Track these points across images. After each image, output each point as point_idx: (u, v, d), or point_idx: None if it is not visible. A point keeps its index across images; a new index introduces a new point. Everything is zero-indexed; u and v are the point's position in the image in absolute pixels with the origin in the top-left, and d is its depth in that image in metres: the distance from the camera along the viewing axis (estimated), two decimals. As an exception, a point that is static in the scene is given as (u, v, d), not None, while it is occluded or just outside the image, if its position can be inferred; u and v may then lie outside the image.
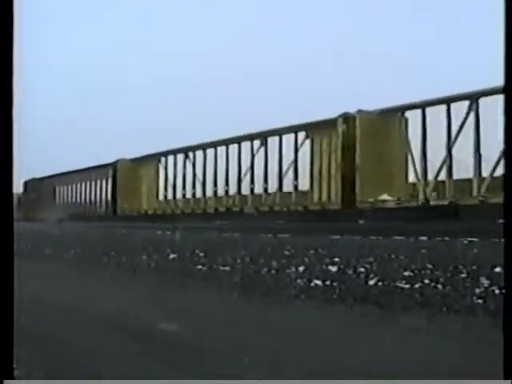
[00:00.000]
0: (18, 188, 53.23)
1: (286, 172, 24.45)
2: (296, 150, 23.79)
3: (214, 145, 28.08)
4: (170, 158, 31.55)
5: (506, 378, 2.11)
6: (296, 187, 24.07)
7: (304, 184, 23.79)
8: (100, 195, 37.05)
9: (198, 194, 29.06)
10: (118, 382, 2.86)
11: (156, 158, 32.36)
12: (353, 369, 3.19)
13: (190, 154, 29.83)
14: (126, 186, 33.68)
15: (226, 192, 27.28)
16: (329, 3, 68.59)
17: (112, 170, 34.66)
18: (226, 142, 27.42)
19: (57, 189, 43.32)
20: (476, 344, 3.68)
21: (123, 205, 33.90)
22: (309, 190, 23.27)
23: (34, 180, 46.66)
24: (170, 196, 31.50)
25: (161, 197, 32.07)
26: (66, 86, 78.88)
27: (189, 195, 29.77)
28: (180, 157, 30.73)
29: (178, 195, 30.69)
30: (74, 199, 40.69)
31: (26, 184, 48.06)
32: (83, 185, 39.19)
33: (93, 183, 37.86)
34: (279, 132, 24.69)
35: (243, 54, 61.57)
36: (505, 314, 2.20)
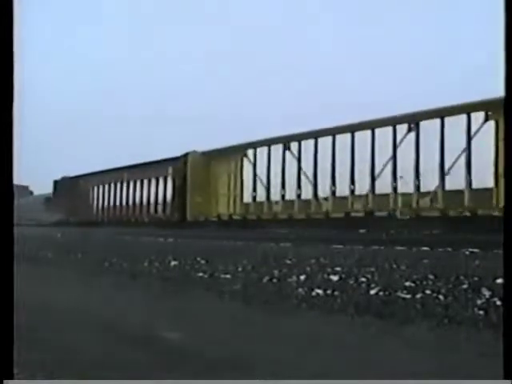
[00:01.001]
0: (43, 188, 50.95)
1: (454, 164, 18.22)
2: (469, 136, 17.80)
3: (331, 132, 21.98)
4: (261, 151, 25.21)
5: (506, 377, 2.11)
6: (470, 183, 17.62)
7: (481, 180, 17.30)
8: (156, 196, 31.07)
9: (304, 194, 22.97)
10: (118, 382, 2.85)
11: (240, 150, 26.08)
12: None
13: (293, 145, 23.67)
14: (197, 184, 27.84)
15: (352, 191, 21.14)
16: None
17: (181, 164, 28.47)
18: (353, 128, 21.23)
19: (94, 189, 38.05)
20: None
21: (194, 208, 27.79)
22: (493, 188, 16.88)
23: (65, 179, 41.95)
24: (260, 197, 25.07)
25: (248, 198, 25.62)
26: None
27: (290, 196, 23.60)
28: (275, 149, 24.46)
29: (275, 196, 24.32)
30: (119, 200, 34.99)
31: (55, 184, 43.44)
32: (132, 184, 33.37)
33: (146, 182, 31.97)
34: (437, 113, 18.48)
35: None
36: (505, 313, 2.20)
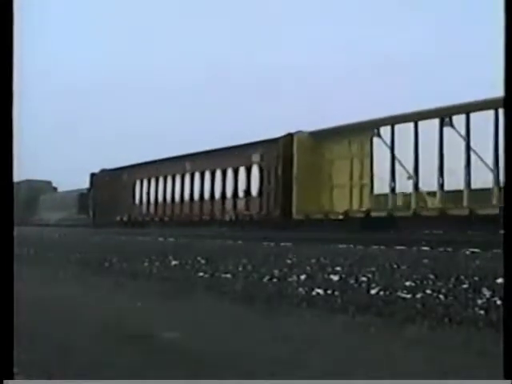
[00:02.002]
0: (75, 183, 45.55)
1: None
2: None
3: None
4: (399, 128, 19.76)
5: (506, 377, 2.11)
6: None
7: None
8: (234, 188, 25.73)
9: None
10: (118, 382, 2.84)
11: (366, 128, 20.69)
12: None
13: (455, 118, 18.31)
14: (306, 172, 22.45)
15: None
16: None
17: (284, 147, 23.10)
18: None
19: (144, 182, 32.58)
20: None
21: (302, 203, 22.16)
22: None
23: (105, 172, 37.01)
24: (399, 187, 19.63)
25: (380, 189, 20.19)
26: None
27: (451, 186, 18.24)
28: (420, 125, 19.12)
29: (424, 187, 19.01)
30: (180, 195, 29.47)
31: (93, 177, 38.06)
32: (207, 174, 27.63)
33: (219, 172, 26.59)
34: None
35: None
36: (505, 314, 2.20)
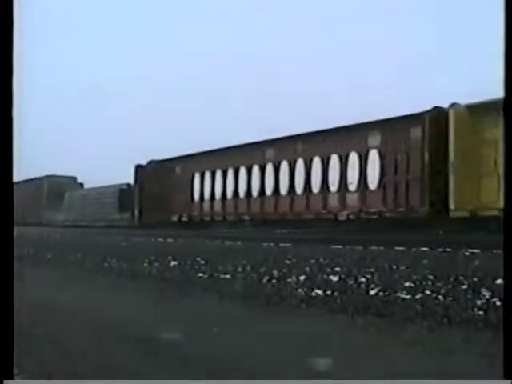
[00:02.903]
0: (103, 179, 41.24)
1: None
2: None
3: None
4: None
5: (506, 377, 2.11)
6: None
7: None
8: (339, 180, 20.90)
9: None
10: (118, 382, 2.84)
11: None
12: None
13: None
14: (464, 157, 17.68)
15: None
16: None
17: (430, 125, 18.45)
18: None
19: (206, 175, 27.71)
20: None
21: (461, 197, 17.42)
22: None
23: (153, 164, 32.56)
24: None
25: None
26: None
27: None
28: None
29: None
30: (258, 189, 24.44)
31: (138, 170, 33.16)
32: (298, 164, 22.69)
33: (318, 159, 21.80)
34: None
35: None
36: (505, 314, 2.20)
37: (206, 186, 27.92)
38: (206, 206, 27.90)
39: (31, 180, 51.61)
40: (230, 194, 26.32)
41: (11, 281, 2.14)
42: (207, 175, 27.86)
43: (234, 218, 26.14)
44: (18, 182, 52.60)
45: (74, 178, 50.03)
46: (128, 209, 34.72)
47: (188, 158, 29.70)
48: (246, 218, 25.34)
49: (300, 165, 22.73)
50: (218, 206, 27.22)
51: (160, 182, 31.00)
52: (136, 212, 33.25)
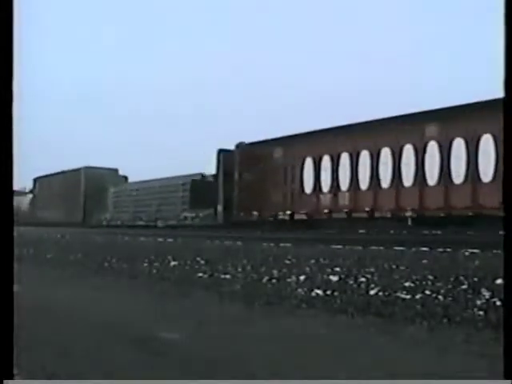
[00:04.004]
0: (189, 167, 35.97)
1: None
2: None
3: None
4: None
5: (506, 377, 2.10)
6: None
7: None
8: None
9: None
10: (118, 382, 2.84)
11: None
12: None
13: None
14: None
15: None
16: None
17: None
18: None
19: (307, 161, 22.97)
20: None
21: None
22: None
23: (243, 147, 26.52)
24: None
25: None
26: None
27: None
28: None
29: None
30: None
31: (220, 155, 26.97)
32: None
33: None
34: None
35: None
36: (505, 314, 2.20)
37: (323, 175, 22.85)
38: (326, 199, 22.61)
39: (65, 172, 45.42)
40: (363, 182, 21.46)
41: (11, 281, 2.13)
42: (326, 160, 22.69)
43: (383, 214, 20.87)
44: (48, 175, 49.22)
45: (115, 170, 43.31)
46: (201, 204, 28.87)
47: (295, 138, 23.98)
48: (408, 214, 19.99)
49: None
50: (344, 199, 21.92)
51: (253, 169, 25.56)
52: (220, 208, 26.88)
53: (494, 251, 9.47)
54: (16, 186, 54.81)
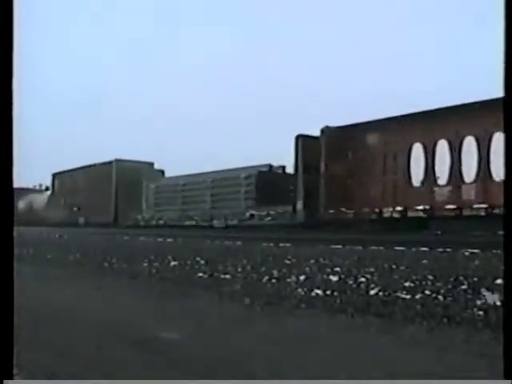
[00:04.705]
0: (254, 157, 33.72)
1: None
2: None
3: None
4: None
5: (506, 377, 2.10)
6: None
7: None
8: None
9: None
10: (118, 382, 2.84)
11: None
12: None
13: None
14: None
15: None
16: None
17: None
18: None
19: (416, 147, 19.68)
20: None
21: None
22: None
23: (330, 132, 22.51)
24: None
25: None
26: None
27: None
28: None
29: None
30: None
31: (300, 141, 23.07)
32: None
33: None
34: None
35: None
36: (505, 314, 2.20)
37: (438, 163, 19.47)
38: (443, 192, 19.31)
39: (92, 166, 40.64)
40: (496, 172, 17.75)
41: (11, 281, 2.13)
42: (442, 146, 19.35)
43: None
44: (70, 170, 44.46)
45: (150, 164, 38.83)
46: (271, 200, 24.69)
47: (397, 121, 20.31)
48: None
49: None
50: (471, 193, 18.49)
51: (342, 158, 21.83)
52: (299, 205, 22.91)
53: None
54: (30, 184, 53.83)
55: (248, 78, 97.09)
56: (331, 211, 21.77)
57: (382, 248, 11.89)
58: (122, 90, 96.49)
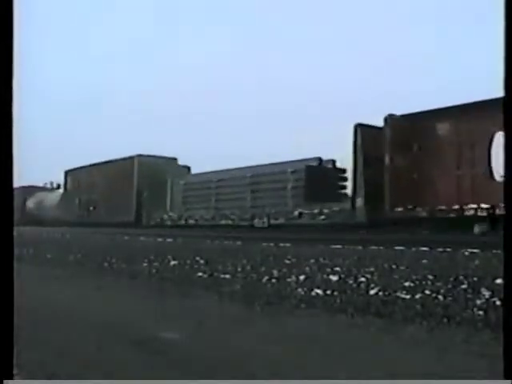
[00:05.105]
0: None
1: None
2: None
3: None
4: None
5: (506, 377, 2.10)
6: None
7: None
8: None
9: None
10: (118, 382, 2.84)
11: None
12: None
13: None
14: None
15: None
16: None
17: None
18: None
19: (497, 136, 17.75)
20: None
21: None
22: None
23: (394, 120, 20.60)
24: None
25: None
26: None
27: None
28: None
29: None
30: None
31: (359, 131, 21.20)
32: None
33: None
34: None
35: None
36: (505, 314, 2.19)
37: None
38: None
39: (110, 162, 37.87)
40: None
41: (11, 281, 2.13)
42: None
43: None
44: (85, 167, 41.35)
45: (174, 159, 36.12)
46: (320, 197, 22.50)
47: (479, 106, 17.77)
48: None
49: None
50: None
51: (409, 149, 19.85)
52: (359, 200, 21.00)
53: None
54: (39, 182, 52.65)
55: (248, 77, 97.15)
56: (399, 209, 19.69)
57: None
58: (122, 89, 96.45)
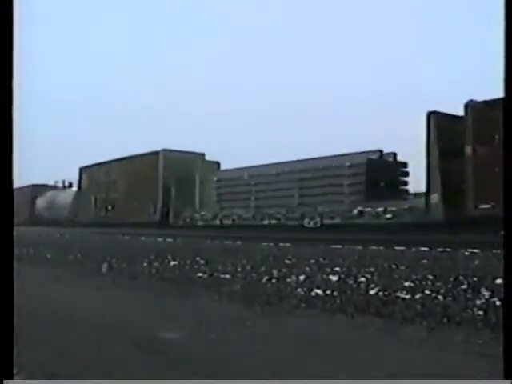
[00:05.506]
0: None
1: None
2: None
3: None
4: None
5: (506, 377, 2.10)
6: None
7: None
8: None
9: None
10: (118, 382, 2.84)
11: None
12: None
13: None
14: None
15: None
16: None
17: None
18: None
19: None
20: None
21: None
22: None
23: (480, 106, 18.23)
24: None
25: None
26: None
27: None
28: None
29: None
30: None
31: (432, 119, 18.95)
32: None
33: None
34: None
35: None
36: (505, 314, 2.20)
37: None
38: None
39: (132, 157, 35.35)
40: None
41: (11, 281, 2.13)
42: None
43: None
44: (103, 163, 38.20)
45: (201, 155, 33.43)
46: (382, 195, 20.78)
47: None
48: None
49: None
50: None
51: (495, 139, 17.21)
52: (435, 198, 18.96)
53: None
54: (50, 181, 51.67)
55: (247, 77, 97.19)
56: (484, 206, 17.45)
57: None
58: (122, 90, 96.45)
